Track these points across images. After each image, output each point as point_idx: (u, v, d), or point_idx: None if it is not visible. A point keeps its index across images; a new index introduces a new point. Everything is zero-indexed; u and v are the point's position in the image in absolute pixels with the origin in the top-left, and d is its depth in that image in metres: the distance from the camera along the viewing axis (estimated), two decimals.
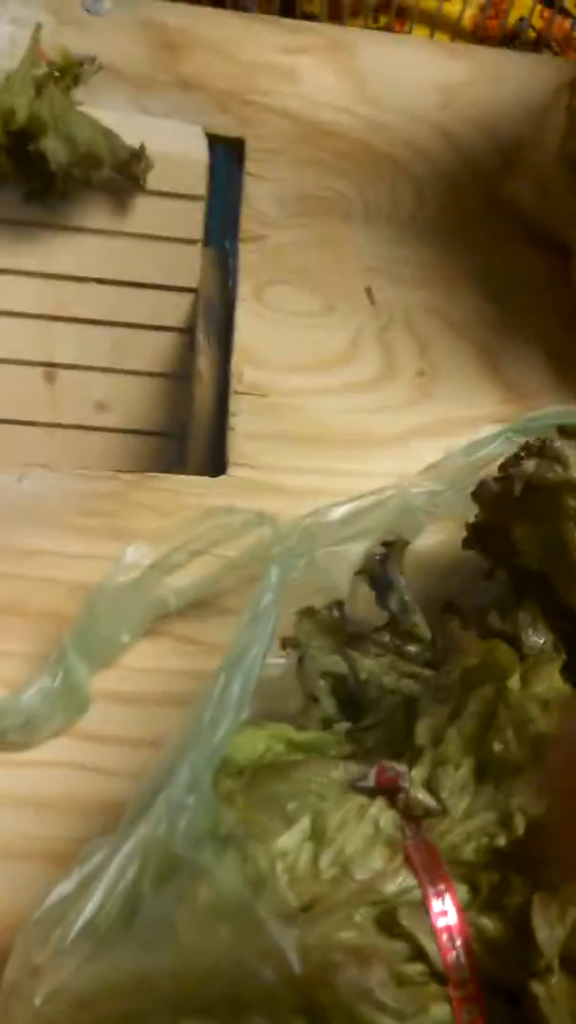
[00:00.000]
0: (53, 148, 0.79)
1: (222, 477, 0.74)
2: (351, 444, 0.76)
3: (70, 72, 0.88)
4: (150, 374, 0.88)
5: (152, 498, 0.71)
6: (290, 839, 0.42)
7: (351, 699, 0.59)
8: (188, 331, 0.87)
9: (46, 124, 0.79)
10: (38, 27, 0.89)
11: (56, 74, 0.87)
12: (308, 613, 0.61)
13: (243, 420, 0.76)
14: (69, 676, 0.61)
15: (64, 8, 0.95)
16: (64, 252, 0.85)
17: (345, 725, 0.57)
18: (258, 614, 0.53)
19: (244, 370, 0.78)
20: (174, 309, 0.87)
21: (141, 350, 0.87)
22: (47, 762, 0.61)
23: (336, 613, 0.61)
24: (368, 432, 0.77)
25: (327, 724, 0.57)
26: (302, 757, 0.49)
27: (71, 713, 0.62)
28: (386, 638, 0.61)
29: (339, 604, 0.62)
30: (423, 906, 0.41)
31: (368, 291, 0.84)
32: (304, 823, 0.43)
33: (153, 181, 0.86)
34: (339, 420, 0.77)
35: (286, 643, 0.59)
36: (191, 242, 0.87)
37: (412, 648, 0.61)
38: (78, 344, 0.86)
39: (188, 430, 0.84)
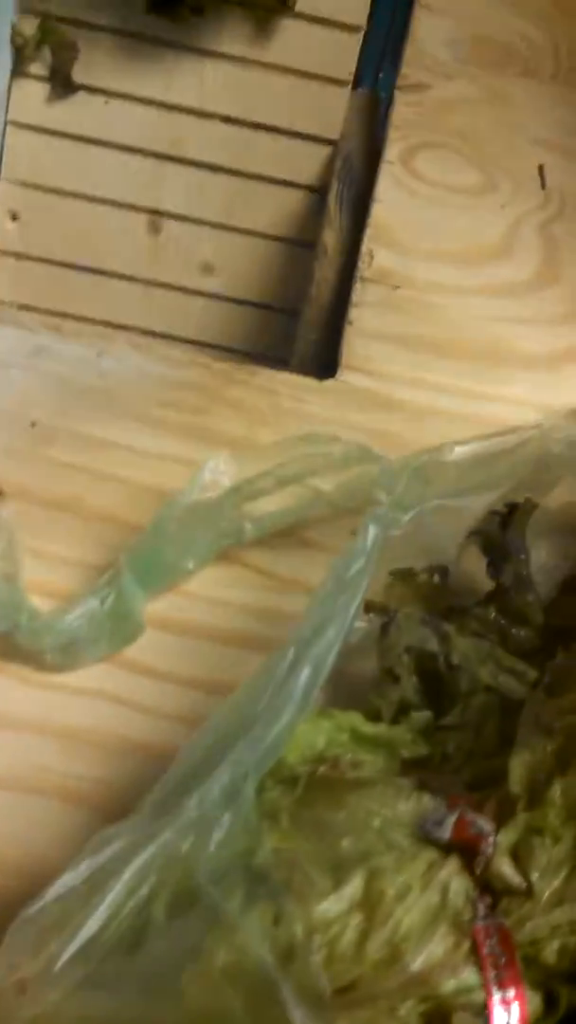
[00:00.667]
0: None
1: (330, 381, 0.62)
2: (490, 360, 0.64)
3: None
4: (267, 236, 0.76)
5: (245, 396, 0.61)
6: (336, 904, 0.34)
7: (437, 683, 0.49)
8: (319, 191, 0.74)
9: None
10: None
11: None
12: (403, 575, 0.51)
13: (365, 314, 0.64)
14: (121, 600, 0.53)
15: None
16: (186, 78, 0.72)
17: (425, 715, 0.48)
18: (344, 582, 0.44)
19: (376, 252, 0.66)
20: (306, 162, 0.74)
21: (260, 207, 0.75)
22: (81, 689, 0.54)
23: (437, 579, 0.52)
24: (513, 348, 0.64)
25: (403, 708, 0.48)
26: (364, 776, 0.40)
27: (118, 640, 0.54)
28: (491, 614, 0.51)
29: (442, 569, 0.52)
30: (484, 1015, 0.33)
31: (540, 170, 0.69)
32: (356, 884, 0.34)
33: (303, 1, 0.71)
34: (480, 328, 0.65)
35: (371, 607, 0.50)
36: (339, 83, 0.73)
37: (520, 632, 0.51)
38: (189, 191, 0.74)
39: (301, 311, 0.72)
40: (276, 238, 0.75)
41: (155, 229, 0.75)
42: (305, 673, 0.41)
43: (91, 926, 0.36)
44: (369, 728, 0.46)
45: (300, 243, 0.75)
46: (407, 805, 0.39)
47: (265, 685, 0.41)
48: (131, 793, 0.53)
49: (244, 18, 0.71)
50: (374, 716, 0.48)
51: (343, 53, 0.72)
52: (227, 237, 0.75)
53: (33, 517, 0.57)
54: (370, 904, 0.34)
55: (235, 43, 0.71)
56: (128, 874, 0.37)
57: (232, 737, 0.41)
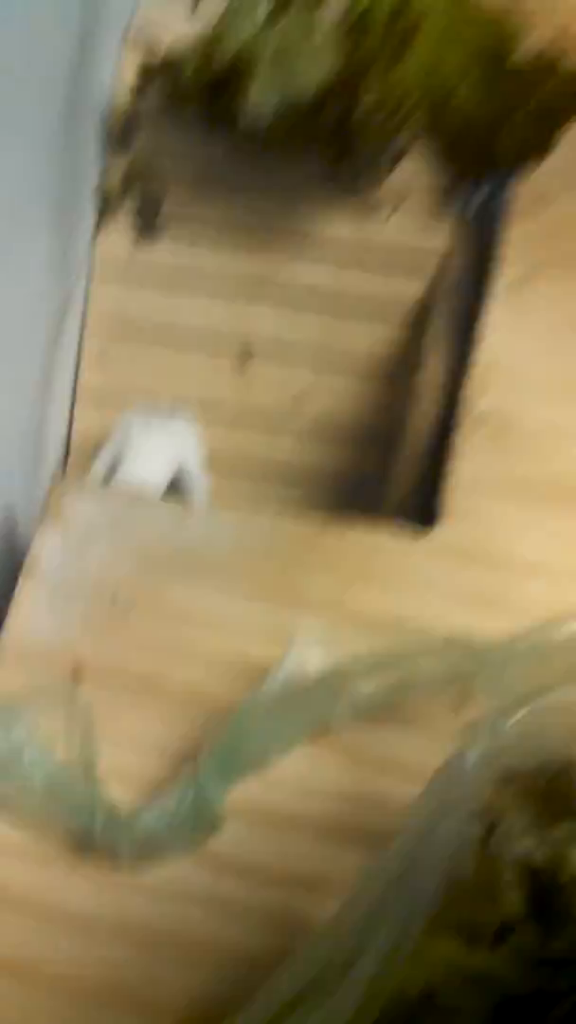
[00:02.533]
0: (254, 103, 0.63)
1: (429, 535, 0.57)
2: None
3: None
4: (361, 373, 0.72)
5: (336, 554, 0.57)
6: None
7: (547, 901, 0.43)
8: (413, 326, 0.70)
9: (255, 65, 0.63)
10: None
11: None
12: (508, 779, 0.45)
13: (469, 459, 0.59)
14: (202, 795, 0.49)
15: None
16: (273, 220, 0.70)
17: (533, 937, 0.42)
18: (443, 809, 0.39)
19: (482, 391, 0.61)
20: (401, 297, 0.70)
21: (353, 343, 0.71)
22: (161, 888, 0.50)
23: (547, 783, 0.46)
24: None
25: (507, 928, 0.43)
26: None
27: (199, 835, 0.50)
28: None
29: (556, 772, 0.45)
30: None
31: None
32: None
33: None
34: None
35: (476, 815, 0.44)
36: (438, 213, 0.69)
37: None
38: (278, 325, 0.72)
39: (395, 449, 0.68)
40: (369, 375, 0.71)
41: (243, 364, 0.73)
42: (403, 908, 0.36)
43: None
44: (468, 958, 0.40)
45: (394, 380, 0.71)
46: None
47: (360, 917, 0.36)
48: (217, 1003, 0.49)
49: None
50: (474, 935, 0.42)
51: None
52: (318, 374, 0.72)
53: (113, 698, 0.54)
54: None
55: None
56: None
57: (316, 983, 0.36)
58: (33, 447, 0.70)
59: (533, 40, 0.68)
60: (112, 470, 0.67)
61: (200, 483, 0.71)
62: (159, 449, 0.68)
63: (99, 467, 0.68)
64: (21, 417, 0.68)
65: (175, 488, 0.68)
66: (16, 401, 0.67)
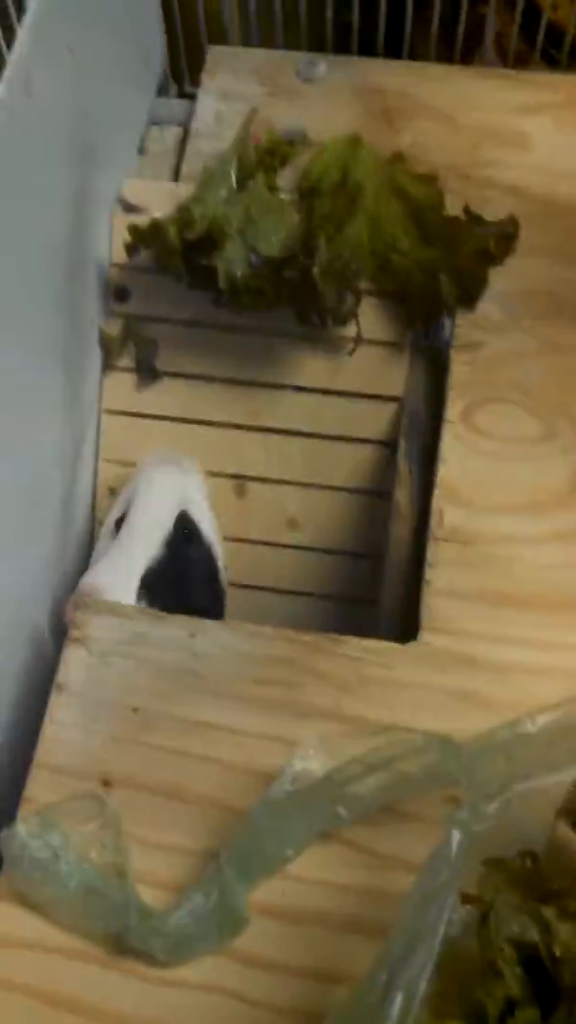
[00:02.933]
0: (228, 262, 0.72)
1: (412, 644, 0.65)
2: (567, 609, 0.65)
3: (278, 154, 0.81)
4: (345, 489, 0.80)
5: (332, 666, 0.64)
6: None
7: (542, 975, 0.49)
8: (388, 444, 0.78)
9: (226, 232, 0.72)
10: (253, 112, 0.83)
11: (266, 158, 0.80)
12: (496, 864, 0.51)
13: (441, 573, 0.67)
14: (225, 894, 0.55)
15: (276, 77, 0.88)
16: (256, 358, 0.79)
17: (532, 1014, 0.47)
18: (432, 894, 0.45)
19: (446, 510, 0.69)
20: (374, 420, 0.79)
21: (337, 464, 0.80)
22: (193, 985, 0.55)
23: (530, 864, 0.52)
24: None
25: (510, 1006, 0.48)
26: None
27: (224, 933, 0.55)
28: None
29: (533, 855, 0.52)
30: None
31: None
32: None
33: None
34: (555, 576, 0.66)
35: (467, 899, 0.50)
36: (398, 345, 0.78)
37: None
38: (269, 455, 0.80)
39: (383, 556, 0.75)
40: (354, 490, 0.80)
41: (241, 492, 0.81)
42: (398, 1001, 0.42)
43: None
44: None
45: (375, 492, 0.79)
46: None
47: (359, 1014, 0.42)
48: None
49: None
50: (480, 1015, 0.48)
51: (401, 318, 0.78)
52: (309, 493, 0.80)
53: (139, 805, 0.60)
54: None
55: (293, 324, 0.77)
56: None
57: None
58: (59, 573, 0.76)
59: (456, 197, 0.78)
60: (125, 513, 0.74)
61: (207, 518, 0.77)
62: (166, 490, 0.75)
63: (114, 512, 0.76)
64: (44, 546, 0.75)
65: (185, 527, 0.75)
66: (39, 535, 0.74)
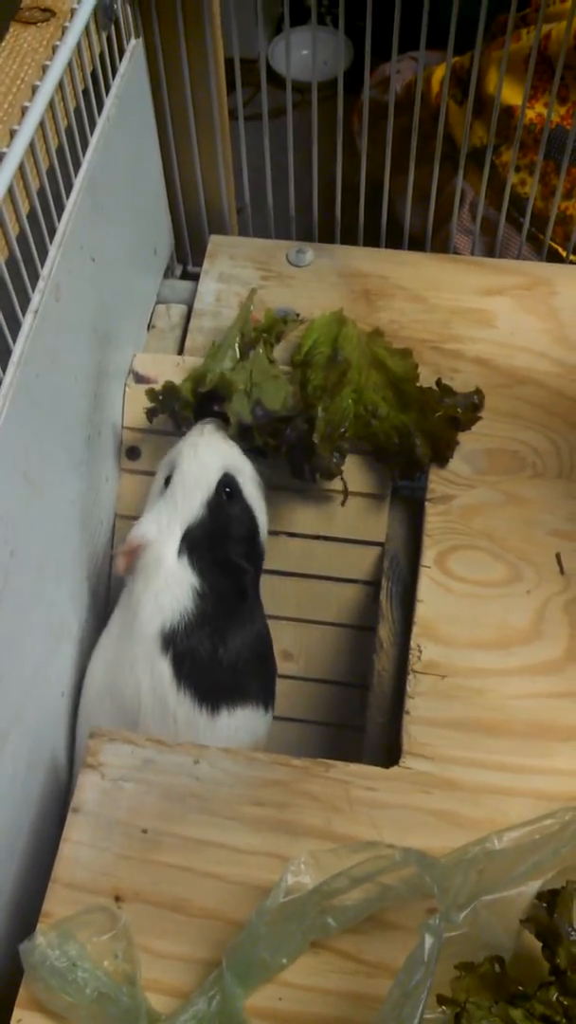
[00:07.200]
0: (236, 413, 0.83)
1: (395, 768, 0.72)
2: (534, 736, 0.73)
3: (274, 331, 0.93)
4: (335, 624, 0.89)
5: (322, 789, 0.71)
6: None
7: None
8: (373, 584, 0.87)
9: (233, 387, 0.83)
10: (252, 292, 0.95)
11: (264, 334, 0.91)
12: (467, 967, 0.58)
13: (420, 703, 0.75)
14: (225, 1000, 0.60)
15: (269, 262, 1.01)
16: None
17: None
18: (407, 993, 0.51)
19: (423, 646, 0.77)
20: (360, 562, 0.88)
21: (326, 601, 0.89)
22: None
23: (498, 968, 0.58)
24: (552, 722, 0.73)
25: None
26: None
27: None
28: (553, 996, 0.57)
29: (500, 960, 0.58)
30: None
31: (558, 557, 0.81)
32: None
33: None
34: (521, 706, 0.74)
35: (442, 1000, 0.56)
36: (379, 496, 0.88)
37: None
38: (266, 594, 0.88)
39: (369, 685, 0.83)
40: (343, 626, 0.88)
41: None
42: None
43: None
44: None
45: (363, 626, 0.88)
46: None
47: None
48: None
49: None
50: None
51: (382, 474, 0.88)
52: (302, 628, 0.88)
53: (148, 918, 0.66)
54: None
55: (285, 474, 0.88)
56: None
57: None
58: (75, 704, 0.84)
59: (429, 368, 0.90)
60: (169, 475, 0.82)
61: (249, 481, 0.83)
62: (211, 453, 0.82)
63: (160, 475, 0.83)
64: (64, 683, 0.82)
65: (227, 485, 0.81)
66: (60, 674, 0.81)
